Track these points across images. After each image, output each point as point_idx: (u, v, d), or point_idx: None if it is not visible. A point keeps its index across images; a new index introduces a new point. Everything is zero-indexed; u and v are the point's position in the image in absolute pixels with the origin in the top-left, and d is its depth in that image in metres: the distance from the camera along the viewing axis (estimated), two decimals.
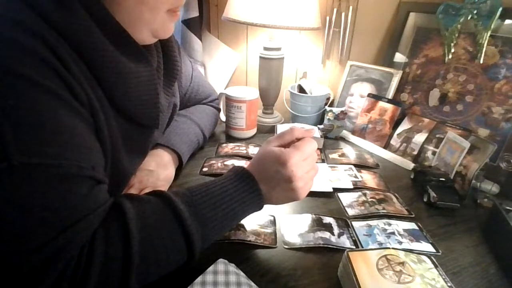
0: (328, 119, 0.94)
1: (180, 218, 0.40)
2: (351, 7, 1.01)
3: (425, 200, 0.67)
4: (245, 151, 0.84)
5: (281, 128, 0.93)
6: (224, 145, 0.88)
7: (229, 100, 0.89)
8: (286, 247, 0.53)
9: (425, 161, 0.81)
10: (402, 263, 0.45)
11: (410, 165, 0.80)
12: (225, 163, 0.77)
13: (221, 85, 1.30)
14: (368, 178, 0.75)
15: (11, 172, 0.32)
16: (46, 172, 0.34)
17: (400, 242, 0.55)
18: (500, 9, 0.77)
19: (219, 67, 1.28)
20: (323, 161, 0.83)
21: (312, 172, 0.51)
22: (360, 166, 0.81)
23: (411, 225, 0.59)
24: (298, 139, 0.52)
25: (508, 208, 0.56)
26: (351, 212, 0.63)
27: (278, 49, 0.96)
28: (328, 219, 0.60)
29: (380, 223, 0.59)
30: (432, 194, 0.65)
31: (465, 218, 0.63)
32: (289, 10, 0.83)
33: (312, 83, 1.05)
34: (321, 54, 1.12)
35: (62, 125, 0.36)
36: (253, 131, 0.95)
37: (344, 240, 0.55)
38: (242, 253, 0.51)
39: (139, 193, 0.54)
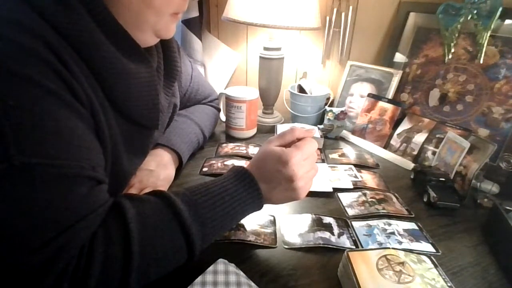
0: (328, 119, 0.94)
1: (180, 218, 0.40)
2: (351, 7, 1.01)
3: (425, 200, 0.67)
4: (245, 151, 0.84)
5: (281, 128, 0.93)
6: (224, 145, 0.88)
7: (229, 100, 0.89)
8: (286, 247, 0.53)
9: (425, 161, 0.81)
10: (402, 263, 0.45)
11: (410, 165, 0.80)
12: (225, 163, 0.77)
13: (221, 85, 1.30)
14: (368, 178, 0.75)
15: (12, 172, 0.32)
16: (46, 172, 0.34)
17: (400, 242, 0.55)
18: (500, 9, 0.77)
19: (219, 67, 1.28)
20: (323, 161, 0.83)
21: (312, 172, 0.51)
22: (360, 166, 0.81)
23: (411, 225, 0.59)
24: (299, 139, 0.52)
25: (508, 208, 0.56)
26: (351, 212, 0.63)
27: (278, 49, 0.96)
28: (328, 219, 0.60)
29: (380, 223, 0.59)
30: (432, 194, 0.65)
31: (465, 218, 0.63)
32: (289, 10, 0.83)
33: (312, 83, 1.05)
34: (321, 54, 1.12)
35: (62, 126, 0.36)
36: (253, 131, 0.95)
37: (344, 240, 0.55)
38: (242, 253, 0.51)
39: (139, 193, 0.54)
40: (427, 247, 0.54)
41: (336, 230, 0.57)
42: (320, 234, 0.56)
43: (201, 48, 1.20)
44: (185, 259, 0.42)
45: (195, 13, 1.13)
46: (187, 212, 0.41)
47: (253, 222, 0.58)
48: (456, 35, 0.85)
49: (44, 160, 0.34)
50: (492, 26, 0.79)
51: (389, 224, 0.59)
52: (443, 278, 0.44)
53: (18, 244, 0.32)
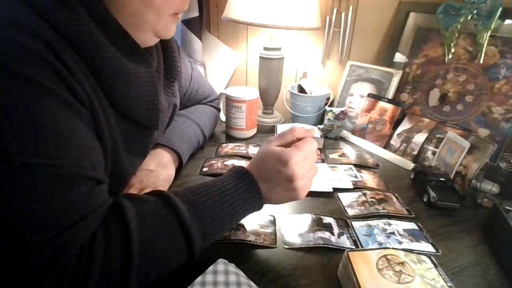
0: (328, 119, 0.94)
1: (180, 218, 0.40)
2: (351, 7, 1.01)
3: (425, 200, 0.67)
4: (245, 151, 0.84)
5: (281, 128, 0.93)
6: (224, 145, 0.88)
7: (229, 100, 0.89)
8: (286, 247, 0.53)
9: (425, 161, 0.81)
10: (402, 263, 0.45)
11: (410, 165, 0.80)
12: (225, 163, 0.77)
13: (221, 85, 1.30)
14: (368, 178, 0.75)
15: (12, 172, 0.32)
16: (46, 172, 0.34)
17: (400, 242, 0.55)
18: (500, 9, 0.77)
19: (219, 67, 1.28)
20: (323, 161, 0.83)
21: (312, 171, 0.51)
22: (360, 166, 0.81)
23: (411, 225, 0.59)
24: (299, 139, 0.52)
25: (508, 208, 0.56)
26: (351, 212, 0.63)
27: (278, 49, 0.96)
28: (328, 219, 0.60)
29: (380, 223, 0.59)
30: (432, 194, 0.65)
31: (465, 218, 0.63)
32: (289, 10, 0.83)
33: (312, 83, 1.05)
34: (321, 54, 1.12)
35: (62, 126, 0.36)
36: (253, 131, 0.95)
37: (344, 240, 0.55)
38: (242, 253, 0.51)
39: (139, 193, 0.54)
40: (427, 247, 0.54)
41: (336, 230, 0.57)
42: (320, 234, 0.56)
43: (201, 48, 1.20)
44: (185, 259, 0.42)
45: (195, 13, 1.13)
46: (187, 212, 0.41)
47: (253, 222, 0.58)
48: (456, 35, 0.85)
49: (44, 160, 0.34)
50: (492, 26, 0.79)
51: (389, 224, 0.59)
52: (443, 278, 0.44)
53: (18, 244, 0.32)
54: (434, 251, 0.54)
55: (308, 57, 1.15)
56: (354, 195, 0.68)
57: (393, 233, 0.57)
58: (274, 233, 0.56)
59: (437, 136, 0.81)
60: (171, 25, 0.50)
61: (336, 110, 0.93)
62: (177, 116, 0.75)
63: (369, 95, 0.95)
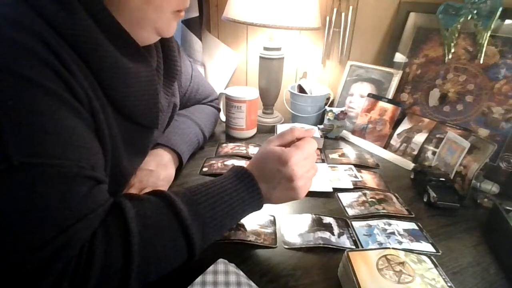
0: (328, 119, 0.94)
1: (180, 217, 0.40)
2: (351, 7, 1.01)
3: (425, 200, 0.67)
4: (245, 151, 0.84)
5: (281, 128, 0.93)
6: (224, 145, 0.88)
7: (229, 100, 0.89)
8: (286, 247, 0.53)
9: (425, 161, 0.81)
10: (402, 263, 0.45)
11: (410, 165, 0.80)
12: (225, 163, 0.77)
13: (221, 85, 1.30)
14: (368, 178, 0.75)
15: (11, 172, 0.32)
16: (46, 172, 0.34)
17: (400, 242, 0.55)
18: (500, 9, 0.77)
19: (219, 67, 1.28)
20: (323, 161, 0.83)
21: (311, 171, 0.51)
22: (360, 166, 0.81)
23: (411, 225, 0.59)
24: (299, 139, 0.52)
25: (508, 208, 0.56)
26: (351, 212, 0.63)
27: (278, 49, 0.96)
28: (328, 219, 0.60)
29: (380, 223, 0.59)
30: (432, 194, 0.65)
31: (465, 218, 0.63)
32: (289, 10, 0.83)
33: (312, 83, 1.05)
34: (321, 54, 1.12)
35: (62, 125, 0.36)
36: (253, 131, 0.95)
37: (344, 240, 0.55)
38: (242, 253, 0.51)
39: (139, 193, 0.54)
40: (427, 247, 0.54)
41: (336, 230, 0.57)
42: (320, 234, 0.56)
43: (201, 48, 1.20)
44: (185, 259, 0.42)
45: (195, 13, 1.13)
46: (187, 212, 0.41)
47: (253, 222, 0.58)
48: (456, 35, 0.85)
49: (43, 160, 0.34)
50: (492, 26, 0.79)
51: (389, 224, 0.59)
52: (443, 278, 0.44)
53: (18, 244, 0.32)
54: (434, 251, 0.54)
55: (308, 57, 1.15)
56: (354, 195, 0.68)
57: (393, 233, 0.57)
58: (274, 233, 0.56)
59: (437, 136, 0.81)
60: (172, 23, 0.50)
61: (336, 110, 0.93)
62: (177, 116, 0.75)
63: (369, 95, 0.95)
